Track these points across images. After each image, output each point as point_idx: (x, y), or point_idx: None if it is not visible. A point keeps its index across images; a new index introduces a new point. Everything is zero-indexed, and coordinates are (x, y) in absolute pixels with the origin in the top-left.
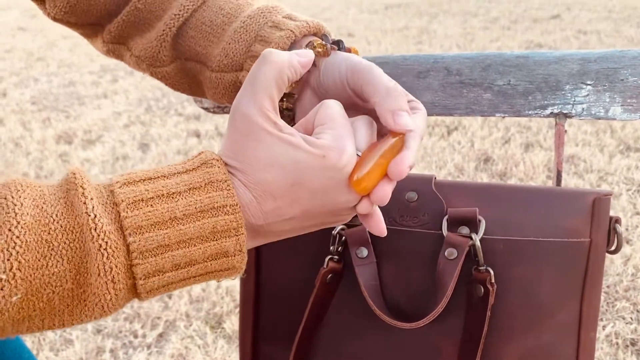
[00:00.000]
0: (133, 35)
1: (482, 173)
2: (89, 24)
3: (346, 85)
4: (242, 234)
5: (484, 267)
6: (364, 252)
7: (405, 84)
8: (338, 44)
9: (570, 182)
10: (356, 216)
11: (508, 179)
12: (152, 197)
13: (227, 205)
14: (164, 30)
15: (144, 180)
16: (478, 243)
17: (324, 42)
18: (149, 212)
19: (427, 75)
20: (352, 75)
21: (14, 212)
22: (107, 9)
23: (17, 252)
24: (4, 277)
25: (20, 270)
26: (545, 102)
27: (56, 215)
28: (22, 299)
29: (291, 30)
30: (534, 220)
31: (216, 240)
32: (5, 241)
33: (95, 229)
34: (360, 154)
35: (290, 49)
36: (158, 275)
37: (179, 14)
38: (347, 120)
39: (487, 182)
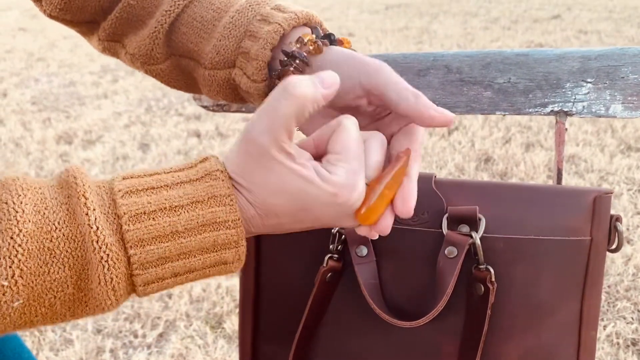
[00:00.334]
0: (127, 32)
1: (483, 173)
2: (84, 22)
3: (358, 88)
4: (243, 245)
5: (484, 266)
6: (364, 250)
7: None
8: (329, 37)
9: (571, 181)
10: None
11: (508, 179)
12: (155, 210)
13: (229, 220)
14: (155, 27)
15: (146, 189)
16: (478, 241)
17: (314, 39)
18: (151, 225)
19: (427, 74)
20: (367, 79)
21: (16, 219)
22: (101, 6)
23: (19, 260)
24: (6, 283)
25: (22, 277)
26: (546, 100)
27: (58, 223)
28: (24, 304)
29: (279, 24)
30: (534, 219)
31: (216, 251)
32: (7, 249)
33: (97, 242)
34: (367, 182)
35: (280, 42)
36: (157, 282)
37: (170, 10)
38: (361, 149)
39: (487, 181)
